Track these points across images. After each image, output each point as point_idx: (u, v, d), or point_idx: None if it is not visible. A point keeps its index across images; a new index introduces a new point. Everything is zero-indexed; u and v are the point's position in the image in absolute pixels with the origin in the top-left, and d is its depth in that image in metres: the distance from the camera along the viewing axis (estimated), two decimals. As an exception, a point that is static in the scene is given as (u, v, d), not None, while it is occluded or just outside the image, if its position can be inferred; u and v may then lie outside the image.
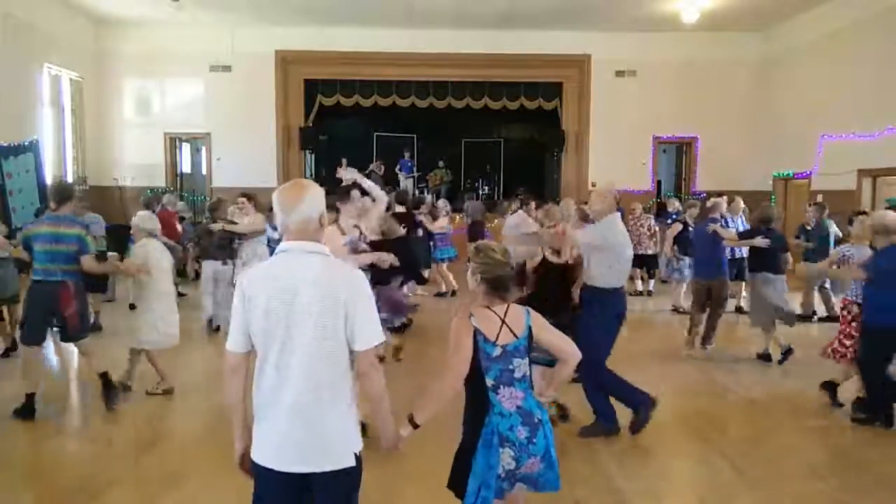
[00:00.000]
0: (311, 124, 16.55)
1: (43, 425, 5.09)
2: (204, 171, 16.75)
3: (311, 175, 17.44)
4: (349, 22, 14.97)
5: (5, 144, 10.79)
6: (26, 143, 11.31)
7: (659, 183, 17.24)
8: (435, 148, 18.77)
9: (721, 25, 14.70)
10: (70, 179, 14.58)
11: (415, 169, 18.16)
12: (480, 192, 18.20)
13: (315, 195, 2.30)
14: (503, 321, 2.66)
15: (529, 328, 2.69)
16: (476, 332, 2.62)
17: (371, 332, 2.26)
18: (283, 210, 2.26)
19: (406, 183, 17.50)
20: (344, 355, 2.25)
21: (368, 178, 5.93)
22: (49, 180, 12.72)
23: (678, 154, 17.68)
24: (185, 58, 15.61)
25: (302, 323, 2.18)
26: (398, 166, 17.77)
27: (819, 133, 13.08)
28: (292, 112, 16.26)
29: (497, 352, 2.63)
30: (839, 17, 12.70)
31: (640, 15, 14.27)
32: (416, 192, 16.83)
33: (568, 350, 2.79)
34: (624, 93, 15.91)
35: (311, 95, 16.43)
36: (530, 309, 2.77)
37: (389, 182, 17.82)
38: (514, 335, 2.66)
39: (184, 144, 17.26)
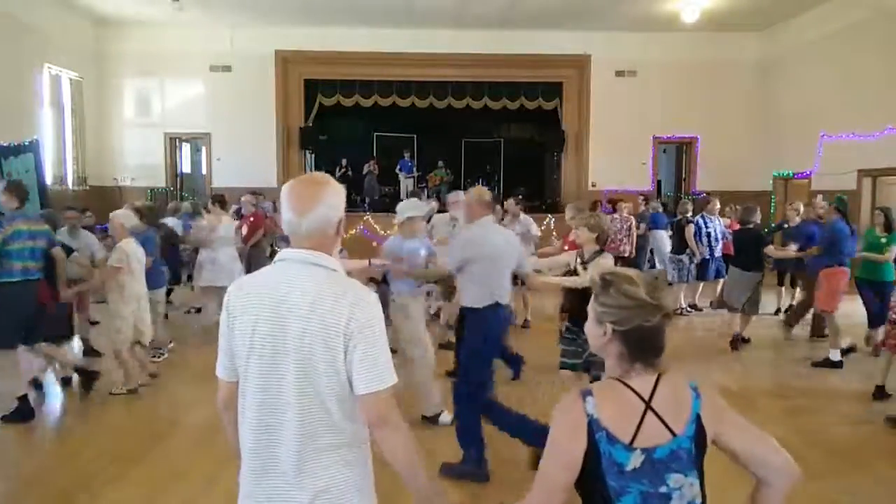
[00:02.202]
0: (311, 124, 16.55)
1: (44, 424, 5.10)
2: (204, 171, 16.76)
3: (312, 175, 17.45)
4: (349, 22, 14.98)
5: (5, 144, 10.79)
6: (26, 143, 11.30)
7: (659, 183, 17.24)
8: (435, 148, 18.77)
9: (721, 25, 14.70)
10: (70, 179, 14.61)
11: (415, 169, 18.18)
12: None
13: (336, 194, 1.83)
14: (648, 405, 1.54)
15: (698, 418, 1.57)
16: (592, 426, 1.52)
17: (376, 373, 1.71)
18: (294, 210, 1.78)
19: (406, 183, 17.51)
20: (349, 398, 1.75)
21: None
22: (49, 180, 12.73)
23: (678, 154, 17.68)
24: (185, 58, 15.62)
25: (293, 354, 1.71)
26: (398, 166, 17.79)
27: (819, 133, 13.08)
28: (292, 112, 16.27)
29: (635, 461, 1.51)
30: (839, 17, 12.70)
31: (640, 15, 14.27)
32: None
33: (775, 463, 1.59)
34: (624, 93, 15.90)
35: (311, 95, 16.43)
36: (699, 385, 1.64)
37: (389, 182, 17.89)
38: (670, 431, 1.54)
39: (184, 144, 17.28)
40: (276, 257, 1.85)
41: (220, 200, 8.20)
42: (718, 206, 9.92)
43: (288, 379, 1.72)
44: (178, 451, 4.63)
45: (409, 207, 5.13)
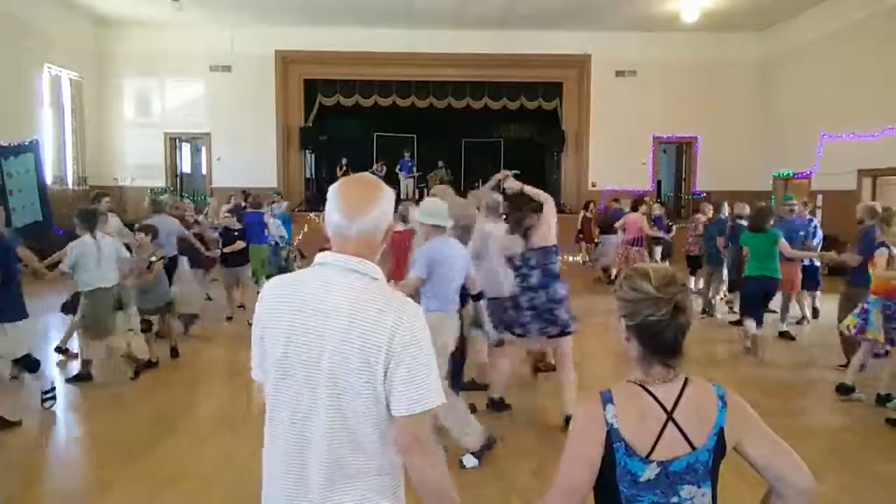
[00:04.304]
0: (311, 124, 16.58)
1: (43, 425, 5.10)
2: (204, 171, 16.78)
3: (312, 175, 17.48)
4: (349, 22, 14.99)
5: (5, 144, 10.79)
6: (26, 143, 11.31)
7: (659, 183, 17.26)
8: (435, 148, 18.78)
9: (721, 25, 14.72)
10: (70, 179, 14.62)
11: (415, 169, 18.19)
12: (480, 193, 18.20)
13: (389, 199, 1.70)
14: (669, 416, 1.50)
15: (721, 431, 1.53)
16: (612, 435, 1.50)
17: (420, 394, 1.55)
18: (343, 213, 1.63)
19: (406, 183, 17.51)
20: (385, 420, 1.60)
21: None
22: (49, 180, 12.74)
23: (678, 154, 17.70)
24: (185, 58, 15.64)
25: (326, 369, 1.57)
26: (398, 166, 17.80)
27: (819, 133, 13.09)
28: (292, 112, 16.29)
29: (650, 473, 1.49)
30: (839, 17, 12.71)
31: (640, 15, 14.28)
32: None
33: (792, 479, 1.55)
34: (624, 93, 15.92)
35: (311, 95, 16.46)
36: (728, 390, 1.61)
37: (390, 183, 17.87)
38: (689, 444, 1.50)
39: (184, 144, 17.29)
40: (315, 260, 1.69)
41: (97, 196, 7.59)
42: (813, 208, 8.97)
43: (320, 396, 1.57)
44: (178, 450, 4.62)
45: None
